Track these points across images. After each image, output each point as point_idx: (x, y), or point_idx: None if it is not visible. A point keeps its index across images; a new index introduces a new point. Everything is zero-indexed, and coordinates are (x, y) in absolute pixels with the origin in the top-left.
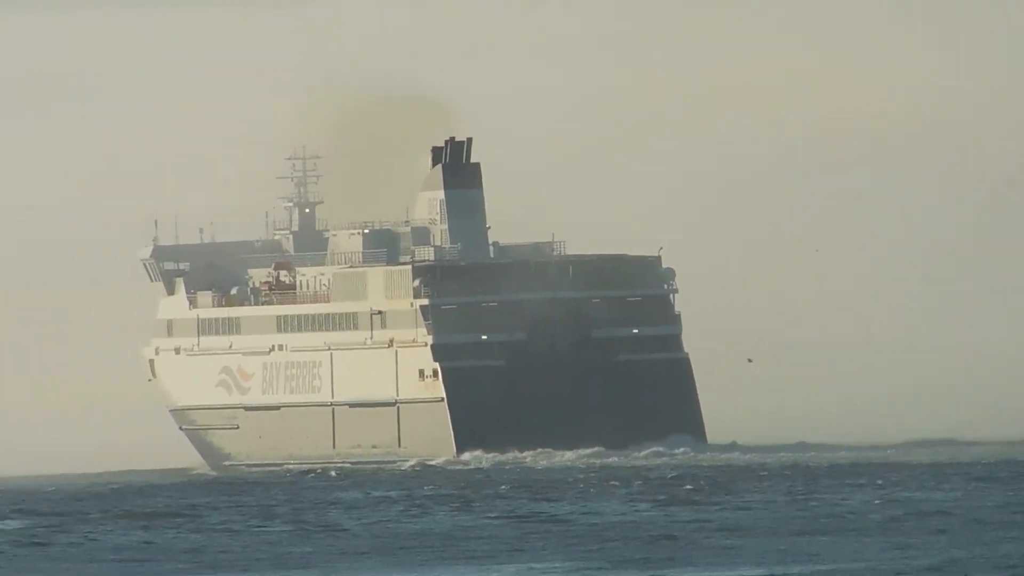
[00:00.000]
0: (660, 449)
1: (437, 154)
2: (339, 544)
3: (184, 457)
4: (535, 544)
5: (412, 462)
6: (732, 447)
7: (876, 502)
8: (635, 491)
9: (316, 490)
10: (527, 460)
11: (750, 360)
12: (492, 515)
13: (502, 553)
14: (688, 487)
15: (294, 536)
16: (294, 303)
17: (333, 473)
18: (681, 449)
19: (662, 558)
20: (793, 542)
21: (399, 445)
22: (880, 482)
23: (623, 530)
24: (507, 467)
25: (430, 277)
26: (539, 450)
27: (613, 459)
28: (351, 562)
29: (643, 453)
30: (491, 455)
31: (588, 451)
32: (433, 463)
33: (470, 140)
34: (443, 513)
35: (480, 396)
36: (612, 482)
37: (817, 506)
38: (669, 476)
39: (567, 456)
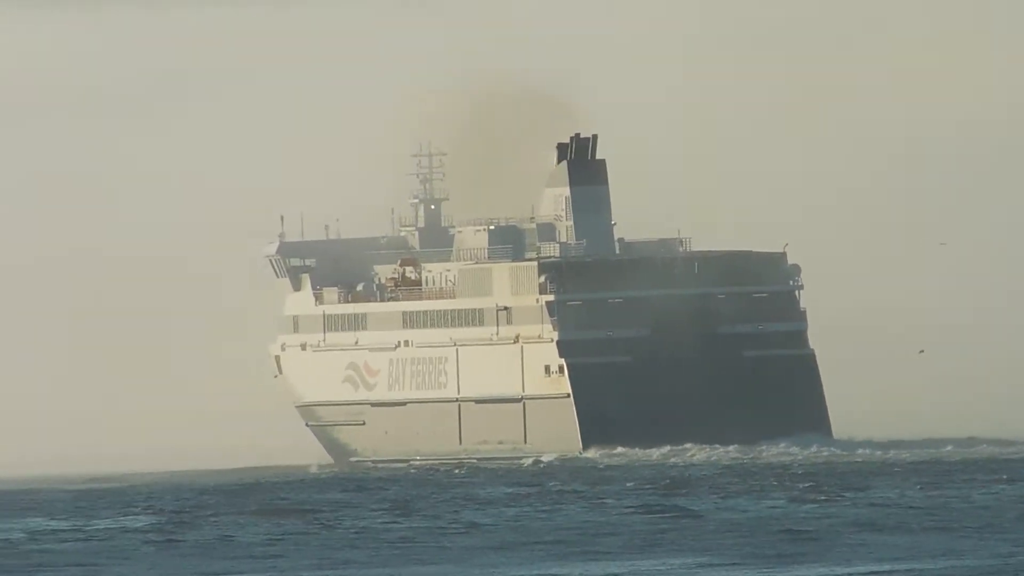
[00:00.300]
0: (787, 445)
1: (562, 151)
2: (474, 540)
3: (310, 453)
4: (667, 539)
5: (540, 458)
6: (860, 443)
7: (1011, 497)
8: (765, 486)
9: (447, 486)
10: (653, 456)
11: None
12: (624, 510)
13: (635, 548)
14: (816, 483)
15: (430, 532)
16: (420, 299)
17: (457, 471)
18: (812, 446)
19: (795, 553)
20: (927, 538)
21: (525, 441)
22: (1009, 476)
23: (754, 525)
24: (634, 463)
25: (556, 273)
26: (664, 446)
27: (740, 455)
28: (487, 557)
29: (771, 449)
30: (617, 451)
31: (714, 447)
32: (559, 459)
33: (595, 137)
34: (575, 509)
35: (606, 392)
36: (741, 478)
37: (950, 501)
38: (799, 472)
39: (693, 452)
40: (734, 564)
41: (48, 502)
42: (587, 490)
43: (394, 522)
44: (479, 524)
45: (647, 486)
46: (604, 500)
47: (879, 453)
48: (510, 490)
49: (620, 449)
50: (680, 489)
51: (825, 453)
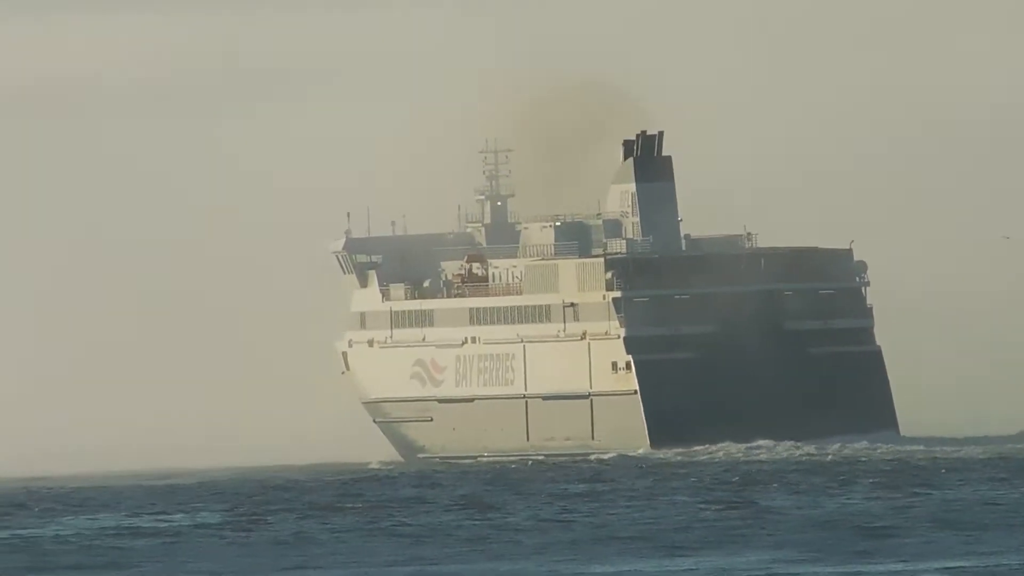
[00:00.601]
0: (854, 441)
1: (629, 147)
2: (564, 535)
3: (379, 450)
4: (742, 536)
5: (604, 455)
6: (928, 439)
7: None
8: (837, 482)
9: (519, 482)
10: (720, 453)
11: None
12: (697, 506)
13: (710, 545)
14: (888, 479)
15: (504, 528)
16: (486, 295)
17: (530, 463)
18: (880, 442)
19: (869, 549)
20: (1001, 534)
21: (592, 438)
22: None
23: (828, 521)
24: (702, 459)
25: (622, 270)
26: (730, 443)
27: (809, 451)
28: (563, 554)
29: (837, 446)
30: (685, 448)
31: (781, 443)
32: (624, 455)
33: (661, 134)
34: (646, 505)
35: (672, 389)
36: (812, 474)
37: (1023, 498)
38: (869, 468)
39: (761, 448)
40: (812, 559)
41: (123, 498)
42: (657, 486)
43: (468, 519)
44: (553, 520)
45: (718, 482)
46: (678, 496)
47: (949, 449)
48: (584, 486)
49: (689, 446)
50: (752, 485)
51: (895, 449)
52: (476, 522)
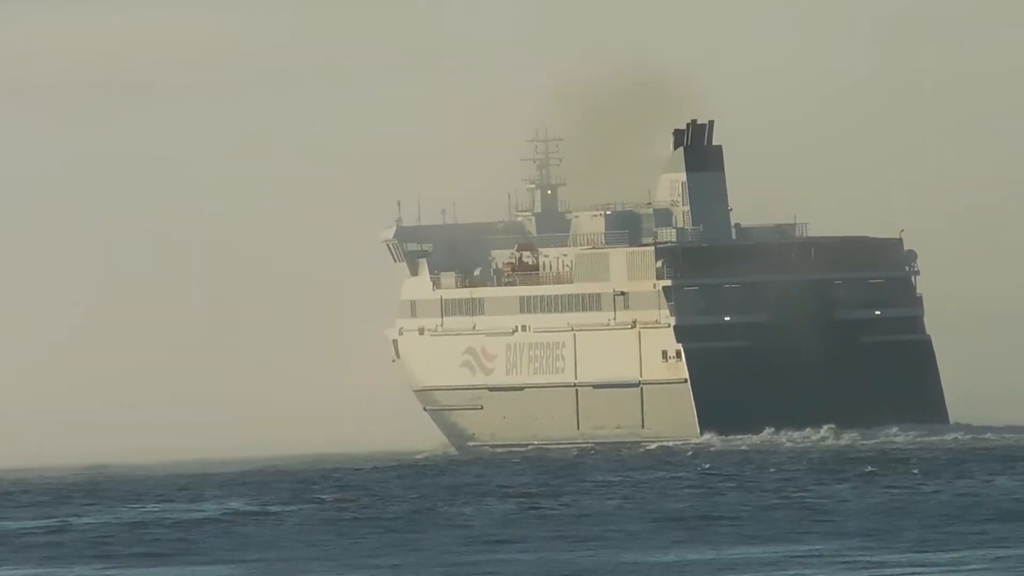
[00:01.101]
0: (905, 431)
1: (679, 137)
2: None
3: (429, 437)
4: (815, 523)
5: (665, 443)
6: (982, 428)
7: None
8: (897, 472)
9: (583, 469)
10: (774, 441)
11: None
12: (762, 494)
13: (783, 535)
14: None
15: (573, 516)
16: (537, 284)
17: (593, 453)
18: (931, 432)
19: (935, 539)
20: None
21: (642, 426)
22: None
23: (893, 511)
24: (756, 448)
25: (672, 259)
26: (781, 431)
27: (864, 441)
28: (639, 541)
29: (892, 435)
30: (736, 436)
31: (833, 432)
32: (678, 444)
33: (711, 123)
34: (728, 494)
35: (723, 377)
36: (869, 463)
37: None
38: (925, 456)
39: (813, 437)
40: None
41: (221, 484)
42: (735, 473)
43: (534, 505)
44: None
45: (785, 470)
46: (748, 484)
47: (1003, 438)
48: (658, 473)
49: (742, 434)
50: (818, 474)
51: (945, 439)
52: (543, 509)
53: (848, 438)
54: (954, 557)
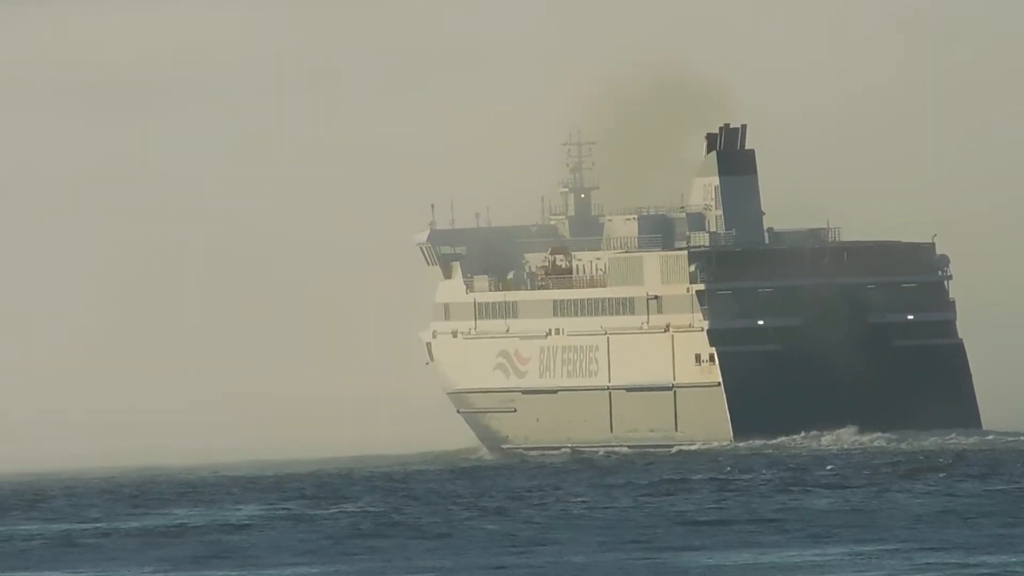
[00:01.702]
0: (938, 434)
1: (712, 141)
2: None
3: (462, 439)
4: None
5: (692, 445)
6: (1015, 433)
7: None
8: (932, 475)
9: (631, 471)
10: (808, 444)
11: None
12: (812, 496)
13: (825, 534)
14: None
15: (625, 518)
16: (570, 287)
17: (601, 453)
18: (964, 436)
19: (982, 543)
20: None
21: (676, 429)
22: None
23: (933, 514)
24: (788, 451)
25: (706, 262)
26: (814, 433)
27: (903, 444)
28: (686, 540)
29: (929, 441)
30: (770, 440)
31: (870, 436)
32: (711, 447)
33: (744, 127)
34: (768, 496)
35: (756, 381)
36: (895, 466)
37: None
38: (966, 458)
39: (849, 441)
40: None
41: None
42: (779, 476)
43: (599, 505)
44: (682, 509)
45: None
46: (792, 487)
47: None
48: (703, 476)
49: (777, 438)
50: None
51: (984, 441)
52: (605, 510)
53: (886, 440)
54: None
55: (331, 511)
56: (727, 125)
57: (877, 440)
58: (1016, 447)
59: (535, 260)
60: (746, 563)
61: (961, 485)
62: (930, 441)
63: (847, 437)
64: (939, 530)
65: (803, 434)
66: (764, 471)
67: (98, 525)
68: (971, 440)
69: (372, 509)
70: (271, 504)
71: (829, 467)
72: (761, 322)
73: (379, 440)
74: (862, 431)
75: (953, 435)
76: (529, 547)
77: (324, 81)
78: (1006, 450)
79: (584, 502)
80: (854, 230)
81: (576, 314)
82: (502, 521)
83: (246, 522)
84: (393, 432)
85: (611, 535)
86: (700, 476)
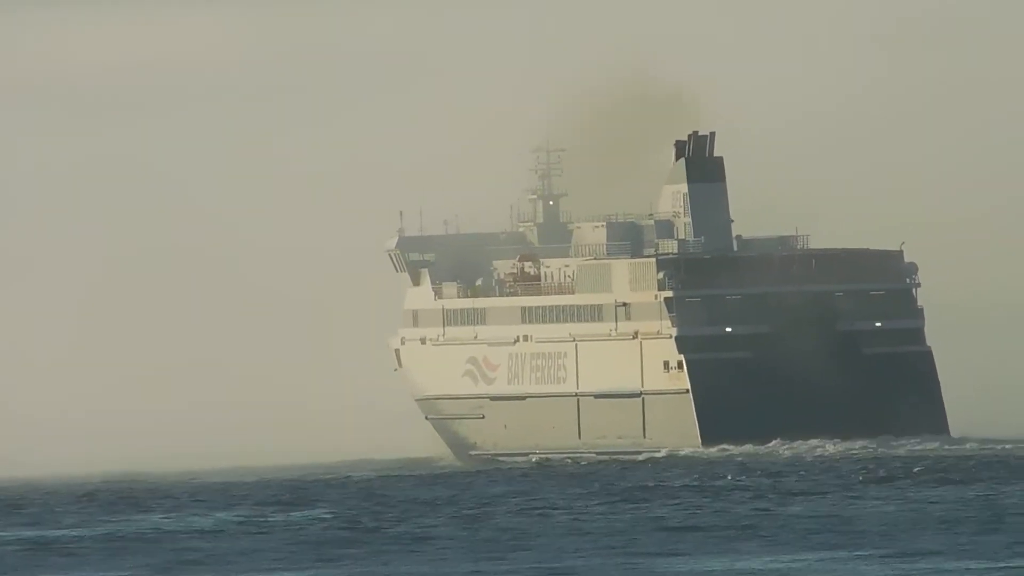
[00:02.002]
0: (907, 441)
1: (680, 148)
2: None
3: (430, 446)
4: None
5: (661, 452)
6: (983, 440)
7: None
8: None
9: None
10: (780, 452)
11: None
12: (785, 505)
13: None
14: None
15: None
16: (539, 294)
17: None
18: (933, 443)
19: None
20: None
21: (644, 436)
22: None
23: (906, 521)
24: (758, 458)
25: (674, 270)
26: (782, 441)
27: (879, 451)
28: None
29: (899, 445)
30: (739, 447)
31: (838, 443)
32: (679, 454)
33: (713, 134)
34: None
35: (725, 388)
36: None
37: None
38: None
39: (825, 448)
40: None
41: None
42: (755, 484)
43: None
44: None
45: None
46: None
47: (1009, 448)
48: (684, 482)
49: (745, 445)
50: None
51: (956, 449)
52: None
53: (866, 448)
54: None
55: (306, 516)
56: (696, 132)
57: (845, 446)
58: (992, 453)
59: (504, 267)
60: (724, 569)
61: (933, 491)
62: (900, 448)
63: (816, 444)
64: (914, 537)
65: (774, 441)
66: (733, 477)
67: (73, 532)
68: (935, 445)
69: (349, 513)
70: (244, 511)
71: (802, 472)
72: (729, 329)
73: (346, 446)
74: (831, 438)
75: (919, 440)
76: (505, 553)
77: (292, 89)
78: (981, 456)
79: (557, 508)
80: (823, 237)
81: (545, 321)
82: (478, 527)
83: (220, 528)
84: (360, 438)
85: (587, 541)
86: (675, 484)
